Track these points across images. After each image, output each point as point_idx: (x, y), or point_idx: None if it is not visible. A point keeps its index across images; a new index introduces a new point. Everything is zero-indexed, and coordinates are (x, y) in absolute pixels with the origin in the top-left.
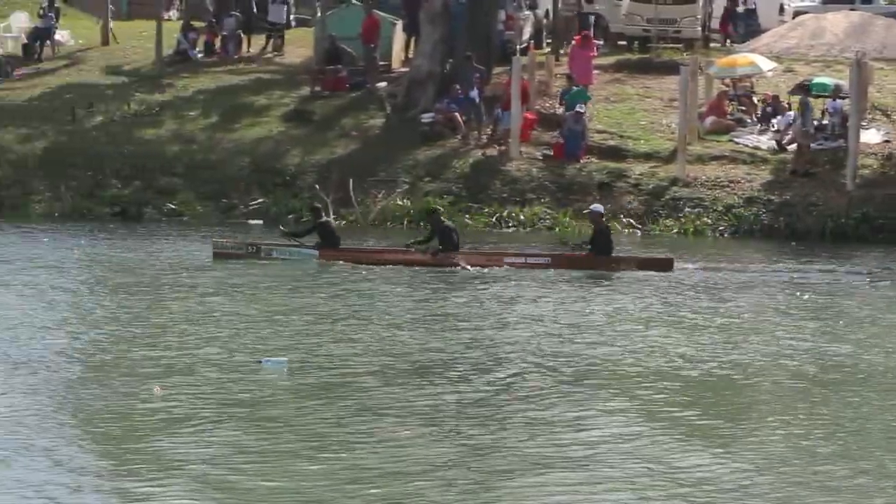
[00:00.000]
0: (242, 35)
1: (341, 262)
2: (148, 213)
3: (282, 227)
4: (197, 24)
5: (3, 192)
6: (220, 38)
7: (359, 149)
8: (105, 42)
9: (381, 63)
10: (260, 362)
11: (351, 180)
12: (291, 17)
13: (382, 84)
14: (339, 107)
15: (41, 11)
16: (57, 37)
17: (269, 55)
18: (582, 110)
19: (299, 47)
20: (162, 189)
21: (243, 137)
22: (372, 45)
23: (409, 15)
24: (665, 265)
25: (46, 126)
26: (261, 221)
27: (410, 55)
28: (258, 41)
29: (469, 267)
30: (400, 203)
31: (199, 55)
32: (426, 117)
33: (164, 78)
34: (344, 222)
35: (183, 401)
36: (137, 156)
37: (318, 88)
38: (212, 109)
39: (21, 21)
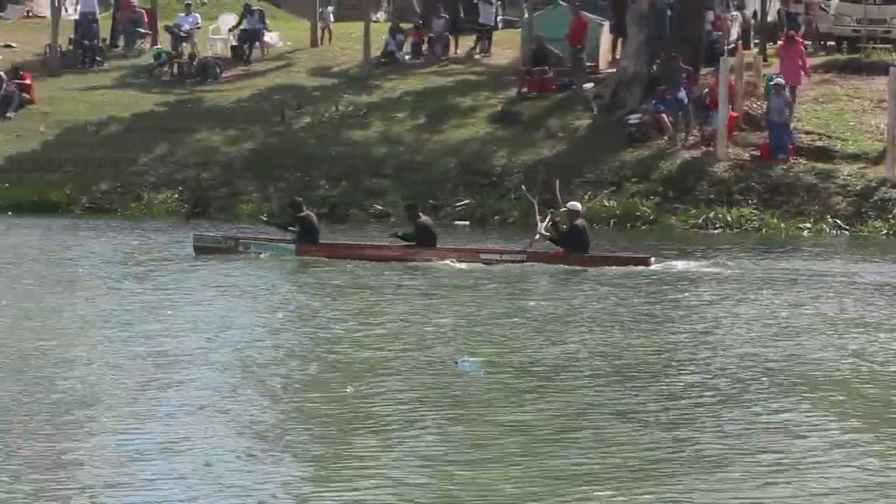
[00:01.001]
0: (450, 36)
1: (319, 257)
2: (355, 213)
3: (262, 217)
4: (405, 25)
5: (211, 192)
6: (427, 39)
7: (565, 150)
8: (314, 44)
9: (588, 64)
10: (456, 363)
11: (557, 181)
12: (499, 18)
13: (589, 85)
14: (546, 108)
15: (242, 13)
16: (266, 38)
17: (477, 56)
18: (782, 82)
19: (506, 48)
20: (369, 190)
21: (450, 138)
22: (579, 46)
23: (616, 16)
24: (641, 262)
25: (255, 127)
26: (467, 222)
27: (617, 56)
28: (465, 42)
29: (455, 262)
30: (606, 204)
31: (407, 56)
32: (633, 118)
33: (371, 79)
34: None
35: (381, 401)
36: (345, 157)
37: (524, 89)
38: (419, 110)
39: (229, 23)
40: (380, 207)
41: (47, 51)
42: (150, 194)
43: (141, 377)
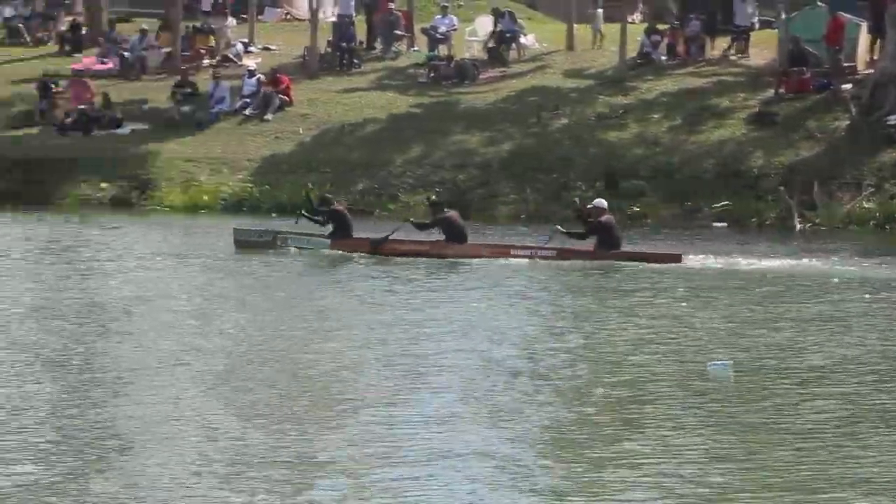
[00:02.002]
0: (706, 37)
1: (354, 252)
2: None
3: (301, 212)
4: (661, 26)
5: (469, 194)
6: (683, 39)
7: (823, 151)
8: (570, 46)
9: (846, 65)
10: (707, 366)
11: (815, 183)
12: (755, 18)
13: (847, 86)
14: (804, 109)
15: (494, 18)
16: (522, 40)
17: (733, 57)
18: None
19: (763, 49)
20: (626, 192)
21: (707, 140)
22: (836, 47)
23: (874, 16)
24: (673, 259)
25: (511, 129)
26: (725, 224)
27: (875, 57)
28: (720, 43)
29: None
30: (866, 206)
31: (663, 57)
32: (892, 119)
33: (627, 80)
34: (808, 225)
35: (633, 404)
36: (601, 158)
37: (782, 90)
38: (675, 112)
39: (486, 25)
40: (637, 209)
41: (306, 53)
42: (407, 195)
43: (395, 380)
